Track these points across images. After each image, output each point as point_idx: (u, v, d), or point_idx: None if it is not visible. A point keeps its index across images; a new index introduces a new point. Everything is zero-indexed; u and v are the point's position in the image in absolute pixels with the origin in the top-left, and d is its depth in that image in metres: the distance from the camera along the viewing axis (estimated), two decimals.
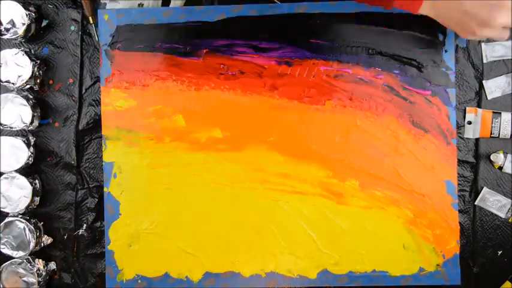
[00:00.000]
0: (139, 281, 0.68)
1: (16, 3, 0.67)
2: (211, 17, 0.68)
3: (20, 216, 0.68)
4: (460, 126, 0.68)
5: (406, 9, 0.49)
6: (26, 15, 0.67)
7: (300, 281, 0.67)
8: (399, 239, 0.67)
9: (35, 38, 0.70)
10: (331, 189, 0.67)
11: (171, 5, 0.69)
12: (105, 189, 0.69)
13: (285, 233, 0.67)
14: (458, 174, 0.67)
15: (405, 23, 0.67)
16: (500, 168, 0.67)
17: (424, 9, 0.49)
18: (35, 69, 0.68)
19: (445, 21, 0.51)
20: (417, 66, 0.67)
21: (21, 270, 0.68)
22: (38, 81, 0.70)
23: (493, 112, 0.67)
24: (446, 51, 0.67)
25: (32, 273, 0.68)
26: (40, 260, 0.69)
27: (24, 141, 0.68)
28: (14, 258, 0.68)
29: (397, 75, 0.67)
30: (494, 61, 0.67)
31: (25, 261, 0.68)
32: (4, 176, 0.68)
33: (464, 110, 0.68)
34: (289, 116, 0.67)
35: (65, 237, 0.71)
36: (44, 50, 0.71)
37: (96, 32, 0.69)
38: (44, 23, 0.71)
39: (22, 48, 0.68)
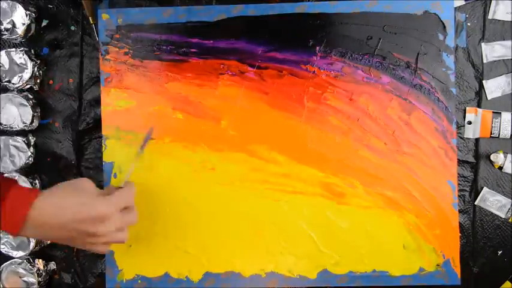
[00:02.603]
0: (139, 281, 0.68)
1: (16, 3, 0.67)
2: (211, 17, 0.68)
3: None
4: (460, 126, 0.68)
5: (5, 230, 0.49)
6: (26, 15, 0.67)
7: (300, 281, 0.67)
8: (399, 239, 0.67)
9: (35, 38, 0.71)
10: (331, 189, 0.67)
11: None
12: None
13: (285, 233, 0.67)
14: (458, 174, 0.67)
15: (405, 24, 0.67)
16: (500, 168, 0.67)
17: (25, 232, 0.50)
18: (35, 69, 0.68)
19: (55, 240, 0.54)
20: (417, 66, 0.67)
21: (21, 270, 0.68)
22: (38, 81, 0.70)
23: (493, 112, 0.67)
24: (446, 51, 0.67)
25: (32, 273, 0.68)
26: (40, 260, 0.69)
27: (24, 141, 0.68)
28: (14, 258, 0.68)
29: (397, 75, 0.67)
30: (494, 61, 0.67)
31: (25, 261, 0.68)
32: (4, 176, 0.68)
33: (464, 110, 0.68)
34: (289, 116, 0.67)
35: None
36: (44, 50, 0.71)
37: (96, 32, 0.69)
38: (44, 23, 0.71)
39: (22, 48, 0.68)
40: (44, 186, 0.70)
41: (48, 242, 0.70)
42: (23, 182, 0.68)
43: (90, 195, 0.52)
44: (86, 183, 0.54)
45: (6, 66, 0.67)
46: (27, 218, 0.49)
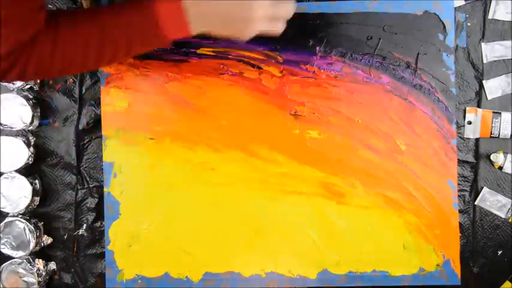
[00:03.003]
0: (139, 281, 0.68)
1: None
2: None
3: (20, 216, 0.68)
4: (460, 126, 0.68)
5: (181, 35, 0.51)
6: None
7: (300, 281, 0.67)
8: (399, 239, 0.67)
9: None
10: (331, 189, 0.67)
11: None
12: (105, 189, 0.69)
13: (285, 233, 0.67)
14: (458, 174, 0.67)
15: (405, 24, 0.67)
16: (500, 168, 0.67)
17: (196, 28, 0.51)
18: None
19: (218, 30, 0.53)
20: (417, 66, 0.67)
21: (21, 270, 0.68)
22: (38, 81, 0.70)
23: (493, 112, 0.67)
24: (446, 51, 0.67)
25: (32, 273, 0.68)
26: (40, 260, 0.69)
27: (24, 141, 0.68)
28: (14, 258, 0.68)
29: (397, 75, 0.67)
30: (494, 61, 0.67)
31: (25, 261, 0.68)
32: (4, 176, 0.68)
33: (464, 110, 0.68)
34: (289, 116, 0.67)
35: (65, 237, 0.71)
36: None
37: None
38: None
39: None
40: (44, 186, 0.71)
41: (49, 241, 0.70)
42: (23, 182, 0.68)
43: None
44: None
45: None
46: (185, 12, 0.49)
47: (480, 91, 0.68)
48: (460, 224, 0.67)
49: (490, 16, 0.67)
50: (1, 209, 0.68)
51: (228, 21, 0.52)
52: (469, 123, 0.68)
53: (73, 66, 0.51)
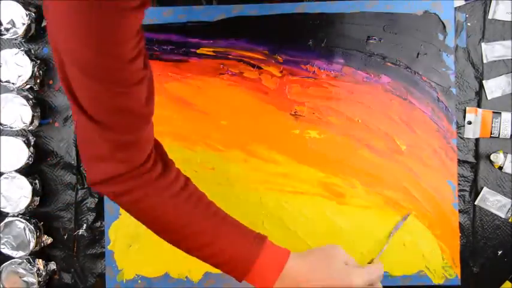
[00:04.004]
0: (139, 281, 0.68)
1: (16, 3, 0.67)
2: (211, 17, 0.68)
3: (20, 216, 0.68)
4: (460, 126, 0.68)
5: (258, 285, 0.50)
6: (26, 15, 0.67)
7: None
8: (399, 239, 0.67)
9: (35, 38, 0.70)
10: (331, 189, 0.67)
11: None
12: None
13: (285, 233, 0.67)
14: (458, 174, 0.67)
15: (405, 23, 0.67)
16: (500, 168, 0.67)
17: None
18: (35, 69, 0.68)
19: None
20: (417, 66, 0.67)
21: (21, 270, 0.68)
22: (38, 81, 0.70)
23: (493, 112, 0.67)
24: (446, 51, 0.67)
25: (32, 273, 0.68)
26: (40, 260, 0.69)
27: (24, 141, 0.68)
28: (14, 258, 0.68)
29: (397, 75, 0.67)
30: (494, 61, 0.67)
31: (25, 261, 0.68)
32: (4, 176, 0.68)
33: (464, 110, 0.68)
34: (289, 116, 0.67)
35: (65, 237, 0.71)
36: (44, 50, 0.71)
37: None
38: (44, 23, 0.71)
39: (22, 48, 0.68)
40: (44, 186, 0.70)
41: (49, 241, 0.70)
42: (23, 182, 0.68)
43: (342, 264, 0.52)
44: (339, 251, 0.53)
45: (6, 66, 0.67)
46: (280, 276, 0.49)
47: (480, 91, 0.68)
48: (460, 224, 0.67)
49: (490, 16, 0.67)
50: (1, 209, 0.68)
51: None
52: (469, 123, 0.68)
53: (154, 224, 0.51)
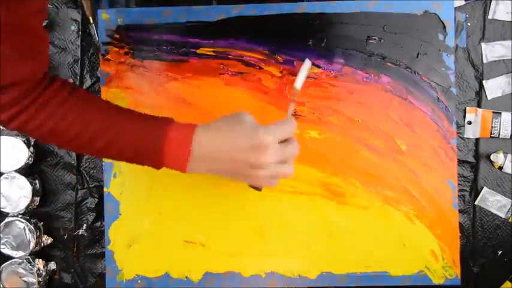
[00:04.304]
0: (139, 281, 0.68)
1: None
2: (211, 17, 0.68)
3: (20, 216, 0.68)
4: (460, 126, 0.68)
5: (174, 168, 0.50)
6: None
7: (300, 281, 0.67)
8: (399, 239, 0.67)
9: None
10: (331, 189, 0.67)
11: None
12: (105, 189, 0.69)
13: (285, 233, 0.67)
14: (458, 174, 0.67)
15: (405, 24, 0.67)
16: (500, 168, 0.67)
17: (193, 167, 0.50)
18: None
19: (221, 173, 0.52)
20: (417, 66, 0.67)
21: (21, 270, 0.68)
22: None
23: (493, 112, 0.67)
24: (446, 51, 0.67)
25: (32, 273, 0.68)
26: (40, 260, 0.69)
27: (24, 141, 0.68)
28: (14, 258, 0.68)
29: (397, 75, 0.67)
30: (494, 61, 0.67)
31: (25, 261, 0.68)
32: (4, 176, 0.68)
33: (464, 110, 0.68)
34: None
35: (65, 237, 0.71)
36: None
37: (96, 32, 0.69)
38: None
39: None
40: (44, 186, 0.71)
41: (49, 241, 0.70)
42: (23, 182, 0.68)
43: (249, 125, 0.50)
44: (245, 116, 0.51)
45: None
46: (191, 153, 0.49)
47: (480, 91, 0.68)
48: (460, 224, 0.67)
49: (490, 16, 0.67)
50: (1, 209, 0.68)
51: (235, 170, 0.51)
52: (469, 123, 0.68)
53: (57, 137, 0.51)
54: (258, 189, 0.57)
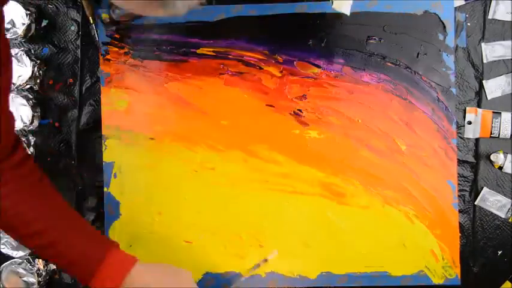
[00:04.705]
0: None
1: (16, 3, 0.67)
2: (211, 17, 0.68)
3: None
4: (460, 126, 0.68)
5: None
6: (26, 15, 0.67)
7: (300, 281, 0.67)
8: (399, 239, 0.67)
9: (35, 38, 0.70)
10: (331, 189, 0.67)
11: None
12: (105, 189, 0.69)
13: (285, 233, 0.67)
14: (458, 174, 0.67)
15: (405, 24, 0.67)
16: (500, 168, 0.67)
17: None
18: (35, 69, 0.68)
19: None
20: (417, 66, 0.67)
21: (21, 270, 0.68)
22: (38, 81, 0.70)
23: (493, 112, 0.67)
24: (446, 51, 0.67)
25: (32, 273, 0.68)
26: (40, 260, 0.69)
27: (24, 141, 0.68)
28: (14, 258, 0.68)
29: (397, 75, 0.67)
30: (494, 61, 0.67)
31: (25, 261, 0.68)
32: None
33: (464, 110, 0.68)
34: (289, 116, 0.67)
35: None
36: (44, 50, 0.71)
37: (96, 32, 0.69)
38: (44, 23, 0.71)
39: (22, 48, 0.68)
40: None
41: None
42: None
43: (187, 283, 0.53)
44: (185, 273, 0.54)
45: None
46: (122, 283, 0.50)
47: (480, 91, 0.68)
48: (460, 224, 0.67)
49: (490, 16, 0.67)
50: None
51: None
52: (469, 123, 0.68)
53: (2, 216, 0.49)
54: None
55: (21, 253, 0.67)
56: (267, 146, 0.68)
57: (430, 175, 0.67)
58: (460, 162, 0.67)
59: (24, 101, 0.67)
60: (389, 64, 0.67)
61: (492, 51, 0.67)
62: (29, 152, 0.68)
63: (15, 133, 0.50)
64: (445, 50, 0.67)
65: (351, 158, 0.67)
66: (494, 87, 0.67)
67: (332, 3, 0.54)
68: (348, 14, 0.55)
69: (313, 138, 0.67)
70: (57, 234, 0.49)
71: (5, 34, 0.42)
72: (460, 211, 0.67)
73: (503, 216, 0.67)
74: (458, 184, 0.67)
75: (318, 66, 0.67)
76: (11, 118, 0.50)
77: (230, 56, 0.68)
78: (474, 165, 0.68)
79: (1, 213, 0.49)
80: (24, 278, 0.68)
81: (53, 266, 0.70)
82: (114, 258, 0.50)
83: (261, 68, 0.68)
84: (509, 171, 0.67)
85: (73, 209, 0.53)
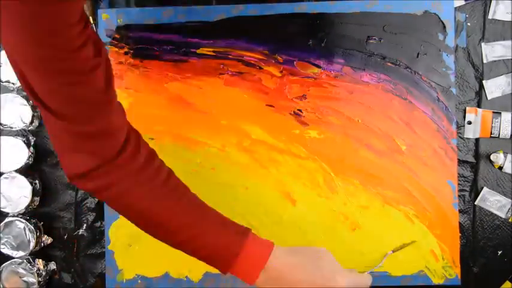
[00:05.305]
0: (139, 281, 0.68)
1: None
2: (211, 17, 0.68)
3: (20, 216, 0.68)
4: (460, 126, 0.68)
5: (241, 278, 0.50)
6: None
7: None
8: (399, 239, 0.67)
9: None
10: (331, 189, 0.67)
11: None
12: None
13: (285, 233, 0.67)
14: (458, 174, 0.67)
15: (405, 24, 0.67)
16: (500, 168, 0.67)
17: (262, 284, 0.50)
18: None
19: None
20: (417, 66, 0.67)
21: (21, 270, 0.68)
22: None
23: (493, 112, 0.67)
24: (446, 51, 0.67)
25: (32, 273, 0.68)
26: (40, 260, 0.69)
27: (24, 141, 0.68)
28: (14, 258, 0.68)
29: (397, 75, 0.67)
30: (494, 61, 0.67)
31: (25, 261, 0.68)
32: (4, 176, 0.68)
33: (464, 110, 0.68)
34: (289, 116, 0.67)
35: (65, 237, 0.71)
36: None
37: (96, 32, 0.69)
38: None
39: None
40: (44, 186, 0.70)
41: (49, 241, 0.70)
42: (23, 182, 0.68)
43: (328, 265, 0.50)
44: (327, 254, 0.52)
45: (7, 66, 0.67)
46: (263, 270, 0.49)
47: (480, 91, 0.68)
48: (460, 224, 0.67)
49: (490, 16, 0.67)
50: (1, 209, 0.68)
51: None
52: (469, 123, 0.68)
53: (142, 220, 0.50)
54: None
55: (21, 253, 0.68)
56: (267, 146, 0.68)
57: (430, 175, 0.67)
58: (460, 162, 0.68)
59: (24, 101, 0.67)
60: (389, 64, 0.67)
61: (492, 51, 0.67)
62: (29, 153, 0.68)
63: (133, 134, 0.49)
64: (445, 50, 0.67)
65: (351, 158, 0.67)
66: (494, 87, 0.67)
67: None
68: None
69: (313, 138, 0.67)
70: (193, 230, 0.49)
71: None
72: (460, 211, 0.67)
73: (503, 216, 0.67)
74: (458, 184, 0.67)
75: (318, 66, 0.67)
76: (124, 116, 0.49)
77: (230, 56, 0.68)
78: (474, 165, 0.68)
79: (136, 214, 0.50)
80: (24, 278, 0.68)
81: (53, 266, 0.70)
82: (250, 247, 0.49)
83: (261, 68, 0.68)
84: (509, 171, 0.67)
85: (202, 201, 0.53)
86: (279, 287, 0.50)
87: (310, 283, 0.49)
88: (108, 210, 0.69)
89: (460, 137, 0.68)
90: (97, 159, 0.46)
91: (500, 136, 0.67)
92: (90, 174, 0.46)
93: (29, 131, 0.70)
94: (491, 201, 0.67)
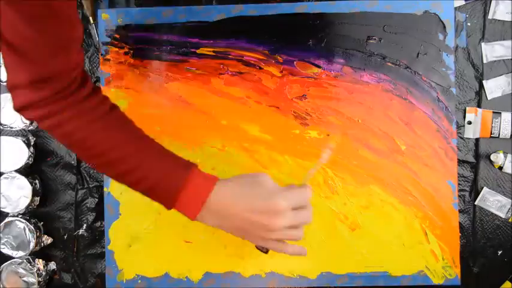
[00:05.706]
0: (139, 281, 0.68)
1: None
2: (211, 17, 0.68)
3: (20, 216, 0.68)
4: (460, 126, 0.68)
5: (184, 213, 0.51)
6: None
7: (300, 281, 0.67)
8: (399, 239, 0.67)
9: None
10: (331, 189, 0.67)
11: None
12: (105, 189, 0.69)
13: None
14: (458, 174, 0.67)
15: (405, 24, 0.67)
16: (500, 168, 0.67)
17: (203, 218, 0.51)
18: None
19: (229, 230, 0.52)
20: (417, 66, 0.67)
21: (21, 270, 0.68)
22: None
23: (493, 112, 0.67)
24: (446, 51, 0.67)
25: (32, 273, 0.68)
26: (40, 260, 0.69)
27: (24, 141, 0.68)
28: (14, 258, 0.68)
29: (397, 75, 0.67)
30: (494, 61, 0.67)
31: (25, 261, 0.68)
32: (4, 176, 0.68)
33: (464, 110, 0.68)
34: (289, 116, 0.67)
35: (65, 237, 0.71)
36: None
37: (96, 32, 0.69)
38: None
39: None
40: (44, 186, 0.71)
41: (49, 241, 0.70)
42: (23, 182, 0.68)
43: (267, 188, 0.50)
44: (264, 177, 0.51)
45: None
46: (205, 204, 0.49)
47: (480, 91, 0.68)
48: (460, 224, 0.67)
49: (490, 16, 0.67)
50: (1, 209, 0.68)
51: (245, 229, 0.51)
52: (469, 123, 0.68)
53: (83, 150, 0.50)
54: (264, 251, 0.57)
55: (21, 253, 0.68)
56: (267, 146, 0.68)
57: (430, 175, 0.67)
58: (460, 162, 0.68)
59: None
60: (389, 64, 0.67)
61: (492, 51, 0.67)
62: (29, 153, 0.68)
63: (84, 67, 0.50)
64: (445, 50, 0.67)
65: (351, 158, 0.67)
66: (494, 87, 0.67)
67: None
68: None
69: (313, 138, 0.67)
70: (134, 160, 0.49)
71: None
72: (460, 211, 0.67)
73: (503, 216, 0.67)
74: (458, 184, 0.67)
75: (318, 66, 0.67)
76: (81, 53, 0.50)
77: (230, 56, 0.68)
78: (474, 165, 0.68)
79: (77, 144, 0.49)
80: (24, 278, 0.68)
81: (53, 266, 0.70)
82: (193, 181, 0.49)
83: (261, 68, 0.68)
84: (509, 171, 0.67)
85: (146, 134, 0.52)
86: (219, 221, 0.50)
87: (250, 210, 0.49)
88: (108, 210, 0.69)
89: (460, 137, 0.68)
90: (45, 93, 0.46)
91: (500, 136, 0.67)
92: (36, 105, 0.47)
93: (29, 131, 0.70)
94: (491, 201, 0.67)
